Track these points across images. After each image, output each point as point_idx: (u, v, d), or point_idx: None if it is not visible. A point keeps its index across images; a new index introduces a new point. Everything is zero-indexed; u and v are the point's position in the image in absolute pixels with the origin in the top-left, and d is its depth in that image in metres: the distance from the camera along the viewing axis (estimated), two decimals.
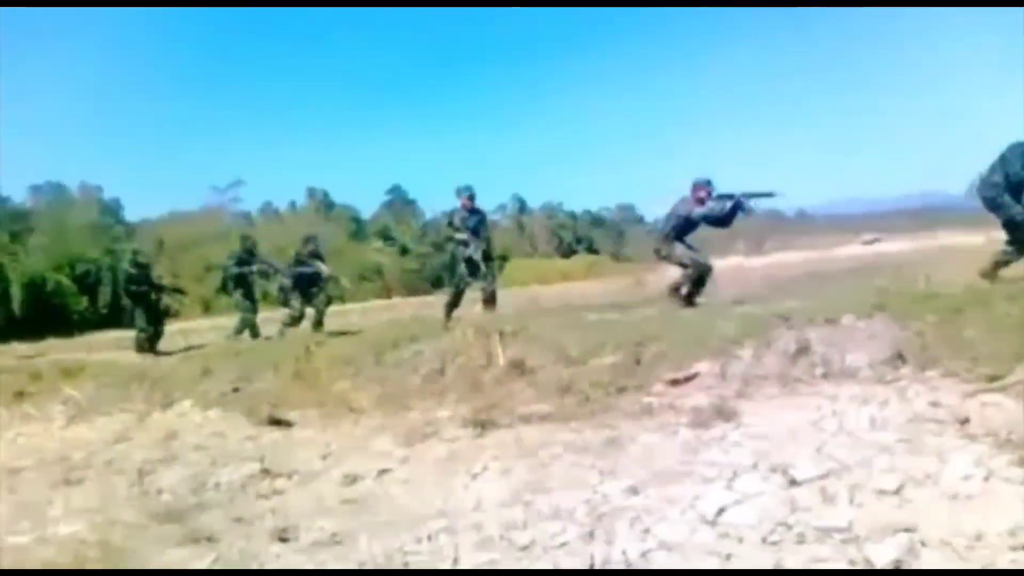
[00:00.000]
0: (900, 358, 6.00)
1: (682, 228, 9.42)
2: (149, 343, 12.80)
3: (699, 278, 9.36)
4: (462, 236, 10.37)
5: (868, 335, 6.38)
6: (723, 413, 5.86)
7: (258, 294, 13.80)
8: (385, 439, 6.71)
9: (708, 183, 9.36)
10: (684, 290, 9.38)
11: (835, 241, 31.22)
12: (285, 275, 12.71)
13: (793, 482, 4.39)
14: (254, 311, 12.82)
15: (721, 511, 4.17)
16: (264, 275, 13.00)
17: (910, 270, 9.18)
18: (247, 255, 12.84)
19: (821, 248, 27.63)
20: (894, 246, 28.16)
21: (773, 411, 5.84)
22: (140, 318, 13.09)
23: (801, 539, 3.77)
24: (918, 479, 4.15)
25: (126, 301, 13.99)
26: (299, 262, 12.43)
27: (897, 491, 4.06)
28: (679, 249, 9.41)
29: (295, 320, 12.19)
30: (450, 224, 10.71)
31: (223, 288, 12.66)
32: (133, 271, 13.46)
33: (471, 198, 10.56)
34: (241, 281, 12.64)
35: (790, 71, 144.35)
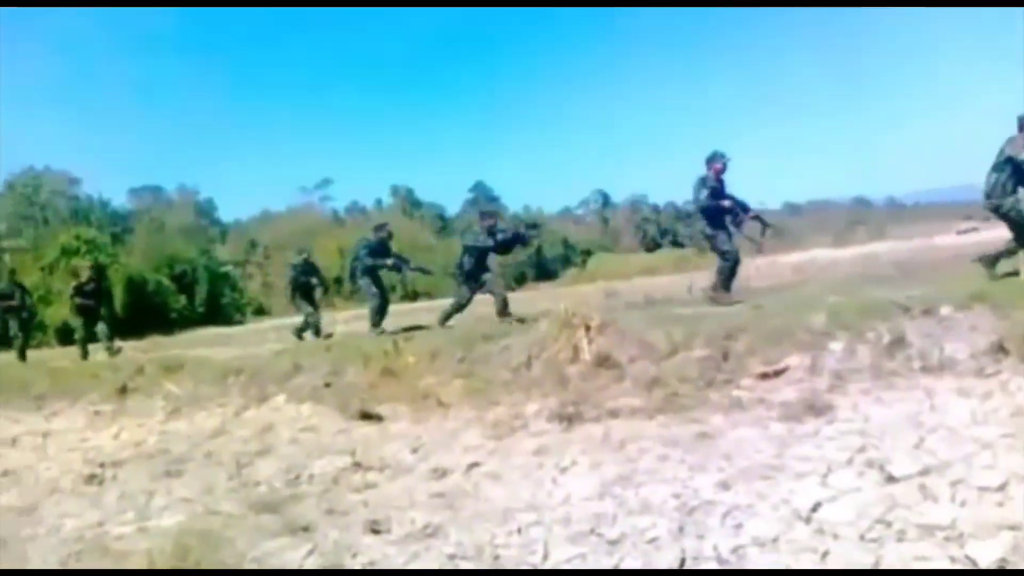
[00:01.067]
0: (1002, 350, 5.80)
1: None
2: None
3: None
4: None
5: (968, 326, 6.19)
6: (815, 407, 5.75)
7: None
8: (474, 433, 6.77)
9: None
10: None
11: (929, 230, 30.15)
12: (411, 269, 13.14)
13: (891, 478, 4.29)
14: (384, 300, 12.59)
15: (816, 507, 4.10)
16: (396, 268, 12.96)
17: (1008, 260, 8.83)
18: (381, 246, 12.60)
19: (914, 237, 26.72)
20: (991, 235, 27.09)
21: (868, 405, 5.70)
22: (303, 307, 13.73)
23: (901, 536, 3.68)
24: (1022, 476, 4.01)
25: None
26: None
27: (1000, 488, 3.94)
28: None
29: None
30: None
31: (351, 277, 12.56)
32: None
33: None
34: (371, 271, 12.46)
35: (886, 56, 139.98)
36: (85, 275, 15.06)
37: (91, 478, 6.90)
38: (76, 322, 15.34)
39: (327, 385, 8.91)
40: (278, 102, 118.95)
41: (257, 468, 6.68)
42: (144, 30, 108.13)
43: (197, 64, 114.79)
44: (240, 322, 39.19)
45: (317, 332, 13.46)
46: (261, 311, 47.49)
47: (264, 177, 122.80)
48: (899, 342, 6.35)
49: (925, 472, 4.26)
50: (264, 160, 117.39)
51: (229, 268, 51.09)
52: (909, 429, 5.00)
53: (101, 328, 14.47)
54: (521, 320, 10.02)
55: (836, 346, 6.59)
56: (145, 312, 37.10)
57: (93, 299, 14.59)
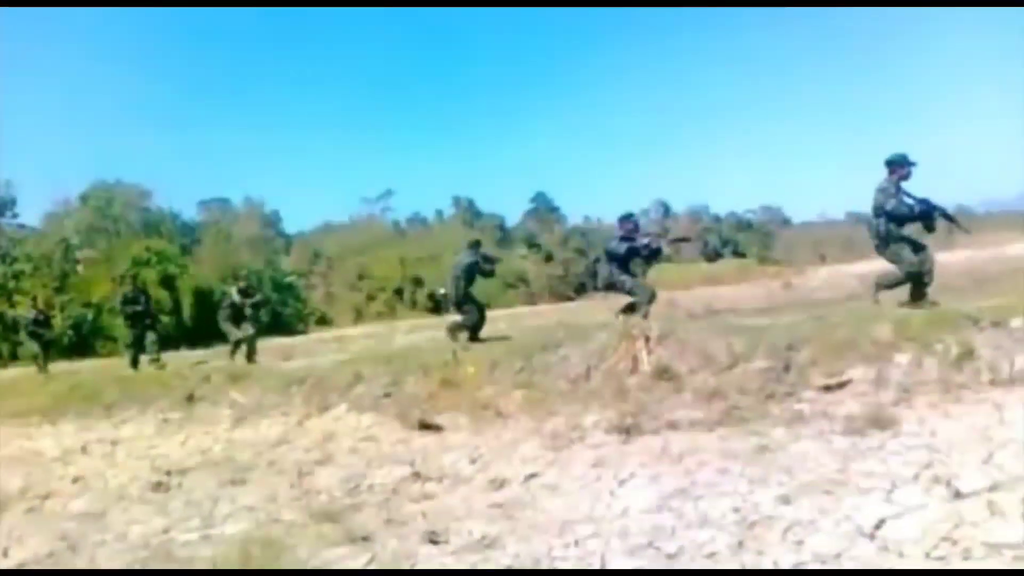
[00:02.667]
0: None
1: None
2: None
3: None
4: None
5: None
6: (879, 421, 5.65)
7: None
8: (532, 444, 6.77)
9: None
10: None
11: (1000, 239, 29.28)
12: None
13: (958, 494, 4.18)
14: (483, 316, 12.44)
15: (880, 524, 4.01)
16: (491, 274, 12.96)
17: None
18: (485, 261, 12.56)
19: (985, 247, 25.99)
20: None
21: (935, 419, 5.58)
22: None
23: (967, 555, 3.58)
24: None
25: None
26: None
27: None
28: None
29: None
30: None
31: (458, 295, 12.32)
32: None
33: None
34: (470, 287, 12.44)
35: (956, 59, 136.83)
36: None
37: (158, 485, 7.06)
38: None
39: (387, 395, 9.01)
40: (342, 115, 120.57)
41: (318, 477, 6.77)
42: (213, 43, 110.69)
43: (264, 78, 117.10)
44: (303, 332, 39.73)
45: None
46: (323, 321, 48.13)
47: (327, 189, 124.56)
48: (968, 354, 6.21)
49: (994, 488, 4.14)
50: (327, 172, 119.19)
51: (292, 279, 51.88)
52: (977, 444, 4.87)
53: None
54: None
55: (902, 358, 6.47)
56: (212, 322, 37.87)
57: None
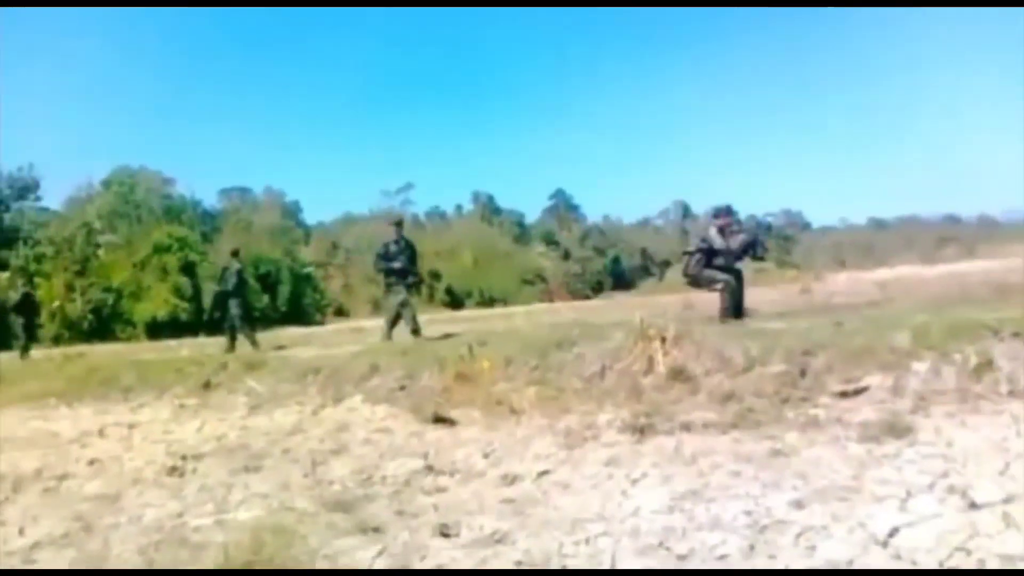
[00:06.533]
0: None
1: None
2: None
3: None
4: None
5: None
6: (896, 429, 5.61)
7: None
8: (545, 441, 6.77)
9: None
10: None
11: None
12: None
13: (973, 505, 4.15)
14: None
15: (894, 532, 3.98)
16: None
17: None
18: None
19: (1008, 256, 25.75)
20: None
21: (952, 429, 5.54)
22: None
23: (981, 565, 3.56)
24: None
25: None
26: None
27: None
28: None
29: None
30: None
31: None
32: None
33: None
34: None
35: (980, 67, 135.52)
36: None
37: (173, 470, 7.09)
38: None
39: (402, 388, 9.05)
40: (364, 107, 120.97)
41: (331, 467, 6.78)
42: (238, 34, 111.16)
43: (287, 68, 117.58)
44: (320, 322, 39.96)
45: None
46: (341, 312, 48.36)
47: (348, 181, 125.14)
48: (987, 365, 6.16)
49: (1009, 500, 4.11)
50: (349, 164, 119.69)
51: (311, 269, 52.11)
52: (994, 455, 4.84)
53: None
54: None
55: (920, 367, 6.42)
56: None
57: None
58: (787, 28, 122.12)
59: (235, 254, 14.42)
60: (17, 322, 18.53)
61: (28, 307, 18.97)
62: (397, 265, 12.74)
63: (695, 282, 10.39)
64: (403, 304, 12.81)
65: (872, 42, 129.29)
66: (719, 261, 10.18)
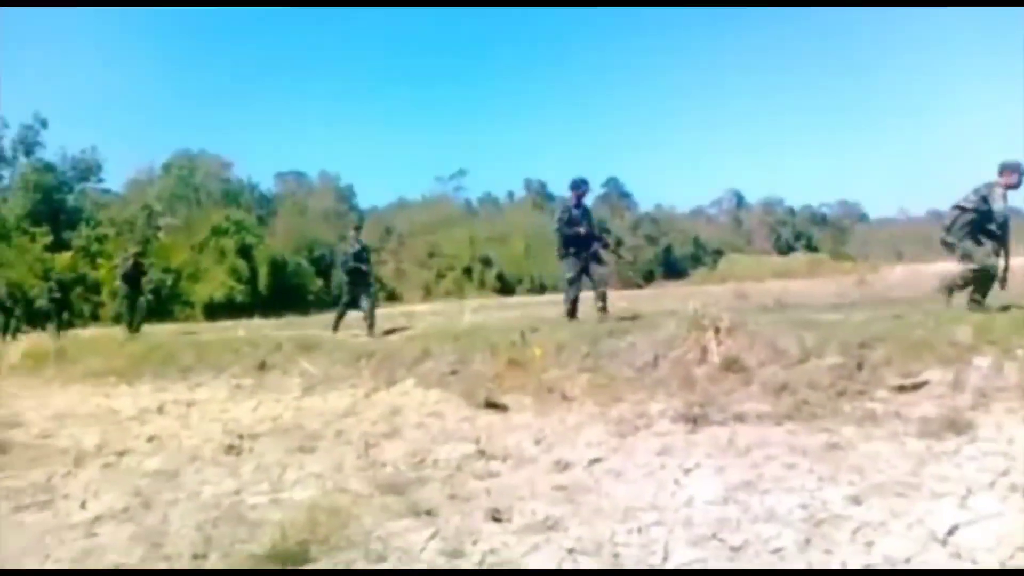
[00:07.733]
0: None
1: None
2: None
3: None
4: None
5: None
6: (956, 425, 5.51)
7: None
8: (597, 429, 6.77)
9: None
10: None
11: None
12: None
13: None
14: None
15: (953, 530, 3.92)
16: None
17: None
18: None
19: None
20: None
21: (1013, 426, 5.43)
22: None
23: None
24: None
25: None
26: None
27: None
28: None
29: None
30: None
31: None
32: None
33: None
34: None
35: None
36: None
37: (230, 448, 7.23)
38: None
39: (454, 372, 9.10)
40: (420, 94, 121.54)
41: (384, 449, 6.86)
42: (296, 20, 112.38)
43: (345, 53, 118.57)
44: None
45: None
46: (393, 296, 48.71)
47: (402, 166, 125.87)
48: None
49: None
50: (403, 150, 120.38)
51: None
52: None
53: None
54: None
55: (982, 362, 6.29)
56: (284, 292, 38.70)
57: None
58: (843, 16, 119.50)
59: (357, 229, 13.81)
60: (123, 294, 17.04)
61: (135, 277, 16.86)
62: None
63: (951, 248, 8.53)
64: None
65: (931, 36, 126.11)
66: (991, 227, 8.32)
